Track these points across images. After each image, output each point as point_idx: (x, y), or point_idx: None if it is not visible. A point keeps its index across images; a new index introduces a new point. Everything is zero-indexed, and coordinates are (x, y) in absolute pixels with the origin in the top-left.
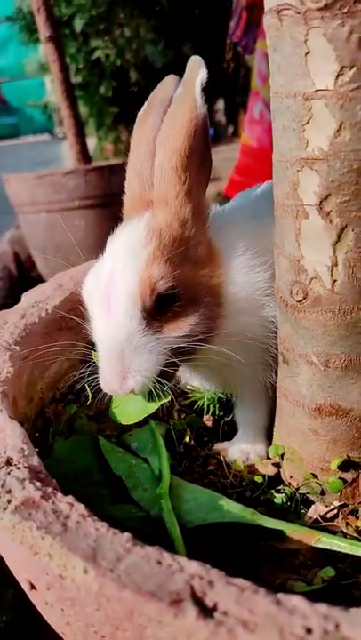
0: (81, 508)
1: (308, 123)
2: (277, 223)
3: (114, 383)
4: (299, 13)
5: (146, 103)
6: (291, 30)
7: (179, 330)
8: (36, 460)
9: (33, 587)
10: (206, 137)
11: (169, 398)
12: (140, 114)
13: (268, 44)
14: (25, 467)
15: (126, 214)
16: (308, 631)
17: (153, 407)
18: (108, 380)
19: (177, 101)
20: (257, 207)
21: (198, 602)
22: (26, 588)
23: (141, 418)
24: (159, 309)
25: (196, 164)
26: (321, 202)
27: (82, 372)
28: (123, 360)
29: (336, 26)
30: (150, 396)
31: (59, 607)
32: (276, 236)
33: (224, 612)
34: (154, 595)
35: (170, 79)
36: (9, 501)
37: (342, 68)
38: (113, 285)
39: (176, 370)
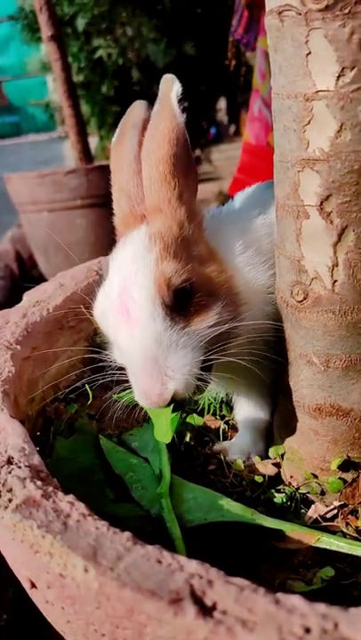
0: (81, 506)
1: (308, 123)
2: (278, 223)
3: (155, 390)
4: (300, 14)
5: (117, 130)
6: (292, 31)
7: (206, 320)
8: (36, 459)
9: (33, 585)
10: (188, 146)
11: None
12: (113, 140)
13: (269, 44)
14: (26, 466)
15: (120, 232)
16: (307, 630)
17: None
18: (147, 389)
19: (156, 116)
20: (254, 207)
21: (198, 601)
22: (26, 586)
23: (174, 430)
24: (180, 304)
25: (183, 172)
26: (322, 202)
27: (83, 371)
28: (157, 364)
29: (337, 27)
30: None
31: (59, 606)
32: (277, 236)
33: (223, 611)
34: (154, 593)
35: (137, 105)
36: (10, 500)
37: (343, 68)
38: (127, 293)
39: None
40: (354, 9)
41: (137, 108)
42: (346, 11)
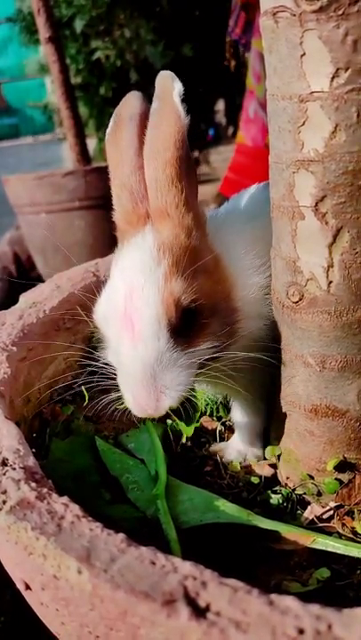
0: (76, 508)
1: (303, 124)
2: (274, 224)
3: (150, 406)
4: (294, 15)
5: (111, 123)
6: (286, 32)
7: (205, 342)
8: (31, 461)
9: (28, 587)
10: (189, 148)
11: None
12: (108, 133)
13: (263, 45)
14: (20, 467)
15: (121, 231)
16: (301, 632)
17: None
18: (143, 404)
19: (157, 115)
20: (252, 209)
21: (191, 602)
22: (21, 588)
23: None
24: (185, 325)
25: (186, 175)
26: (317, 203)
27: (79, 373)
28: (154, 382)
29: (331, 28)
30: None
31: (53, 607)
32: (273, 237)
33: (217, 613)
34: (147, 595)
35: (131, 96)
36: (4, 502)
37: (337, 69)
38: (133, 307)
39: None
40: (348, 10)
41: (131, 100)
42: (340, 12)
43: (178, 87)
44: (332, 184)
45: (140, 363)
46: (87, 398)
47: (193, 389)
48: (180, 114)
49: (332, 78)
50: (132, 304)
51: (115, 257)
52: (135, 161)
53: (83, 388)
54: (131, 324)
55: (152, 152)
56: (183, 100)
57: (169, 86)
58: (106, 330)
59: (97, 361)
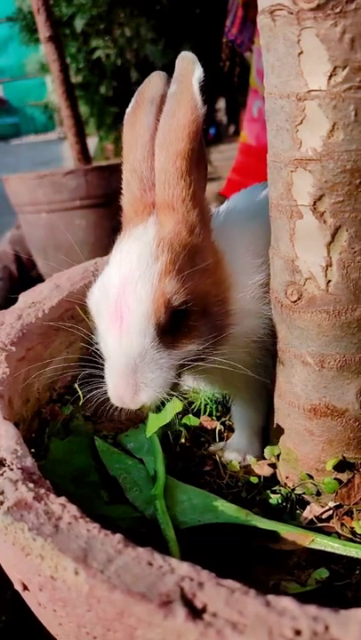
0: (73, 509)
1: (301, 123)
2: (272, 223)
3: (126, 397)
4: (292, 14)
5: (133, 102)
6: (284, 30)
7: (192, 344)
8: (29, 462)
9: (26, 588)
10: (203, 140)
11: (181, 407)
12: (128, 112)
13: (261, 44)
14: (18, 468)
15: (126, 217)
16: (298, 633)
17: (167, 418)
18: (120, 394)
19: (173, 100)
20: (253, 207)
21: (188, 603)
22: (19, 588)
23: (156, 429)
24: (173, 325)
25: (197, 168)
26: (315, 202)
27: (79, 373)
28: (135, 375)
29: (329, 26)
30: (158, 409)
31: (51, 608)
32: (272, 236)
33: (213, 614)
34: (144, 596)
35: (156, 77)
36: (1, 502)
37: (335, 68)
38: (124, 301)
39: (181, 379)
40: (345, 8)
41: (155, 81)
42: (337, 10)
43: (198, 72)
44: (330, 183)
45: (124, 356)
46: (82, 397)
47: (173, 389)
48: (197, 103)
49: (330, 76)
50: (123, 298)
51: (116, 243)
52: (149, 146)
53: (77, 386)
54: (120, 318)
55: (164, 141)
56: (202, 87)
57: (190, 70)
58: (96, 318)
59: (96, 361)
